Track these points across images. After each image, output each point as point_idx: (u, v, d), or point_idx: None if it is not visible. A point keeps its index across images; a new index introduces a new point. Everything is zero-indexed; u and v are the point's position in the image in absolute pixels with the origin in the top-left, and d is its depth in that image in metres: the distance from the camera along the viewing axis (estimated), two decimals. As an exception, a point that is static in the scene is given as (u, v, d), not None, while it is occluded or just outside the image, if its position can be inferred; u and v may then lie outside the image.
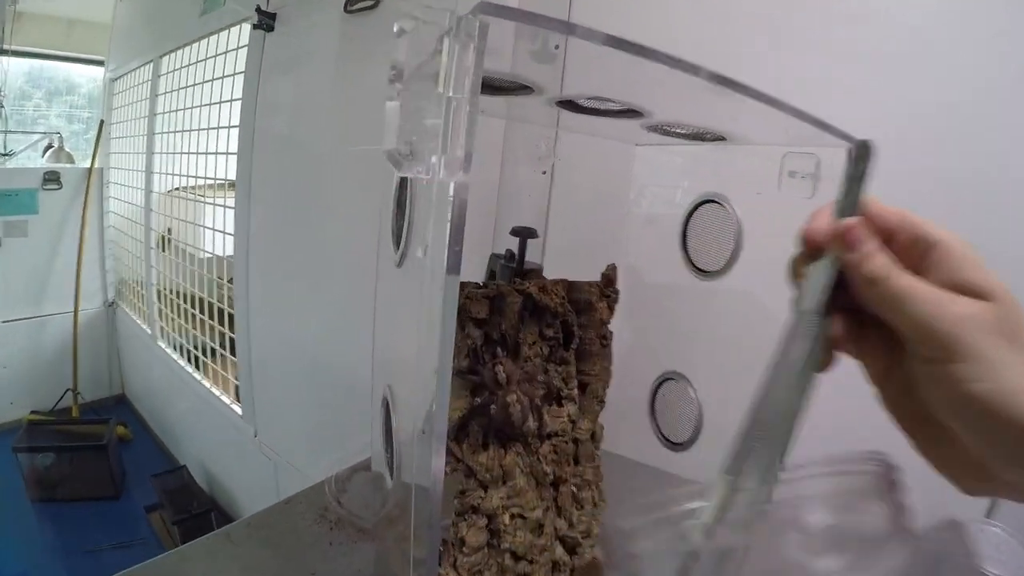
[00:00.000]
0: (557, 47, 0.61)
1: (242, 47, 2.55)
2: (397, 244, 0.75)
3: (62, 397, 3.78)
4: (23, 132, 4.24)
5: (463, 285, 0.96)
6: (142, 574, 0.98)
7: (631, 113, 0.84)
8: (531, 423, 0.87)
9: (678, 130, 0.92)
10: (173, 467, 3.35)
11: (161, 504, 3.08)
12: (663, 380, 1.15)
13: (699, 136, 0.95)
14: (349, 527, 1.22)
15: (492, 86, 0.81)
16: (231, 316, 2.79)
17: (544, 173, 1.53)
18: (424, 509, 0.47)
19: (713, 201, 1.10)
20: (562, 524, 0.94)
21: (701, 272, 1.12)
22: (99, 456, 3.27)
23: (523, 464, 0.89)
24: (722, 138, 0.93)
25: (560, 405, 0.95)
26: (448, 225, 0.40)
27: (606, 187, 1.37)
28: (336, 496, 1.34)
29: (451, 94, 0.41)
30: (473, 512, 0.87)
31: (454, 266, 0.42)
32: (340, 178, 2.07)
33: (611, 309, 1.03)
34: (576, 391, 0.96)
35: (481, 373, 0.87)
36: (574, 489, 0.96)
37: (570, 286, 0.97)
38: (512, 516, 0.89)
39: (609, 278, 1.04)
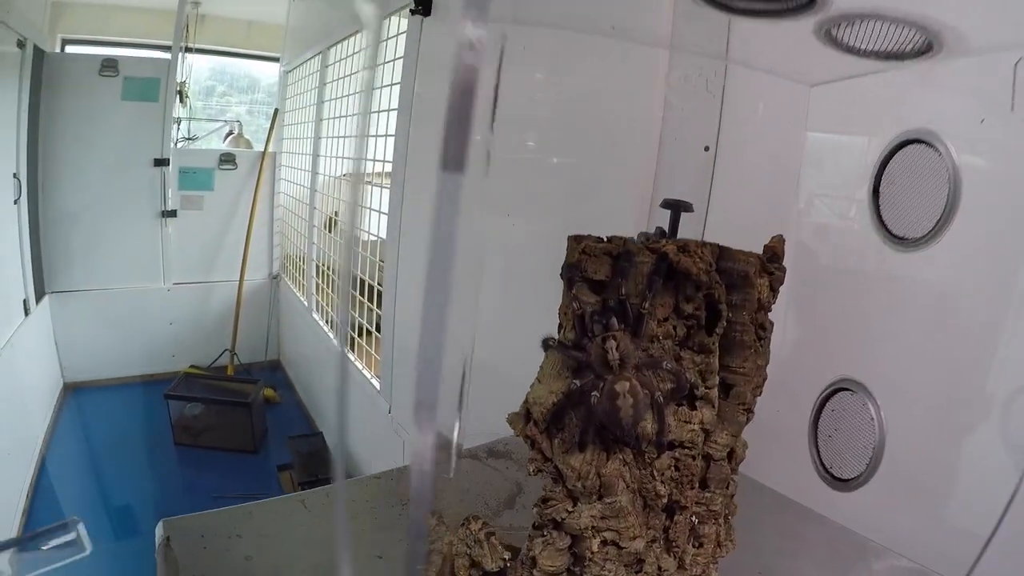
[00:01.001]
0: None
1: (401, 33, 2.51)
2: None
3: (219, 356, 3.93)
4: (206, 120, 4.46)
5: (580, 238, 0.75)
6: (198, 520, 0.94)
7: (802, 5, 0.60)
8: (648, 425, 0.66)
9: (867, 44, 0.67)
10: (311, 432, 3.37)
11: (292, 465, 3.13)
12: (833, 391, 0.88)
13: (896, 54, 0.68)
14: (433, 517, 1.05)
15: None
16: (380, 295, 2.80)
17: (707, 149, 1.28)
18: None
19: (918, 141, 0.81)
20: (669, 564, 0.72)
21: (898, 240, 0.84)
22: (242, 412, 3.39)
23: (629, 477, 0.68)
24: (928, 48, 0.66)
25: (692, 407, 0.73)
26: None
27: (776, 147, 1.11)
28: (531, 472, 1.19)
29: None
30: (555, 528, 0.67)
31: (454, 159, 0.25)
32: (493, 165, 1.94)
33: (774, 290, 0.80)
34: (716, 392, 0.74)
35: (588, 349, 0.67)
36: (695, 520, 0.74)
37: (721, 253, 0.75)
38: (604, 542, 0.68)
39: (774, 251, 0.80)
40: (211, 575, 0.86)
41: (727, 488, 0.81)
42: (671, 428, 0.72)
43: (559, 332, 0.77)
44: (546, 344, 0.73)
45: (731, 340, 0.76)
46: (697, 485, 0.77)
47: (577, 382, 0.67)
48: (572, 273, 0.76)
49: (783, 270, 0.80)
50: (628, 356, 0.66)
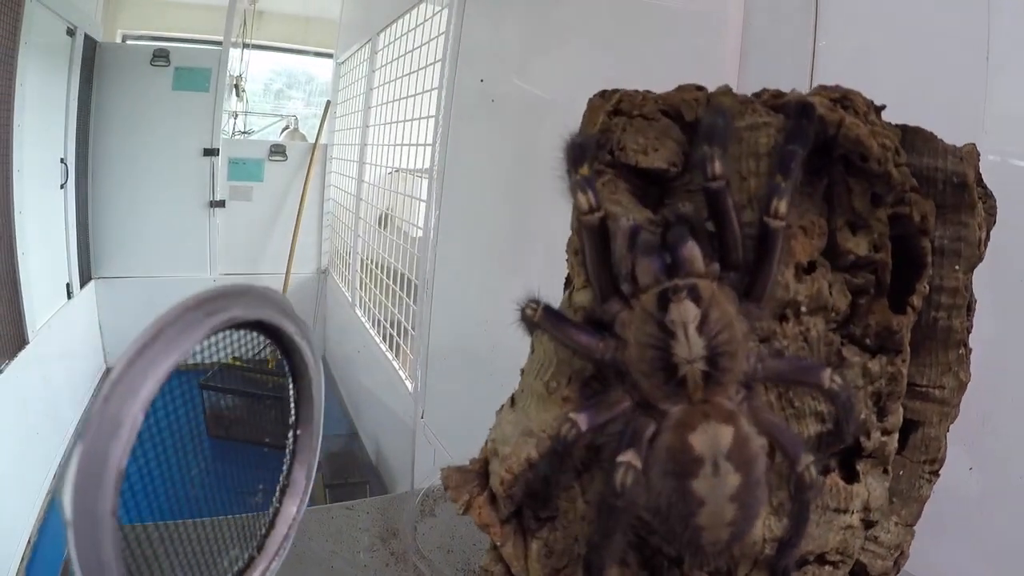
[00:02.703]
0: None
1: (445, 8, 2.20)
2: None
3: (263, 349, 3.62)
4: (262, 114, 4.26)
5: (610, 93, 0.32)
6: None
7: None
8: (759, 527, 0.22)
9: None
10: (347, 432, 3.14)
11: (322, 465, 2.84)
12: None
13: None
14: (409, 571, 0.73)
15: None
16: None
17: None
18: None
19: None
20: None
21: None
22: (276, 407, 3.09)
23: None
24: None
25: (849, 474, 0.29)
26: None
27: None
28: (416, 520, 0.85)
29: None
30: None
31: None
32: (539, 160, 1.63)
33: (987, 227, 0.33)
34: (894, 439, 0.29)
35: (619, 326, 0.21)
36: None
37: (907, 139, 0.28)
38: None
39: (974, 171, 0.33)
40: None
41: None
42: (810, 528, 0.28)
43: (564, 292, 0.33)
44: (526, 315, 0.29)
45: (925, 329, 0.32)
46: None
47: (582, 420, 0.22)
48: (591, 156, 0.31)
49: (993, 197, 0.34)
50: (730, 352, 0.23)
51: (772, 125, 0.30)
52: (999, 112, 0.59)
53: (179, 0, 3.92)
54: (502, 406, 0.36)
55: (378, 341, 3.09)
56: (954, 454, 0.44)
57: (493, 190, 1.95)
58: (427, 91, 2.38)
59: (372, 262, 3.31)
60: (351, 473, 2.71)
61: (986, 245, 0.40)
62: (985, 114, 0.64)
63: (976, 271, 0.42)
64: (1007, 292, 0.53)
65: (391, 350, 2.91)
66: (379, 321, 3.12)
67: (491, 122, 1.96)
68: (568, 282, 0.34)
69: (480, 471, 0.35)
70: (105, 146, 3.47)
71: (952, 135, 0.39)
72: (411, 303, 2.67)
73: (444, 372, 2.27)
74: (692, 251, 0.27)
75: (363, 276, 3.43)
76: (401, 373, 2.70)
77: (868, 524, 0.34)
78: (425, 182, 2.52)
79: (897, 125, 0.34)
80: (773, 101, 0.31)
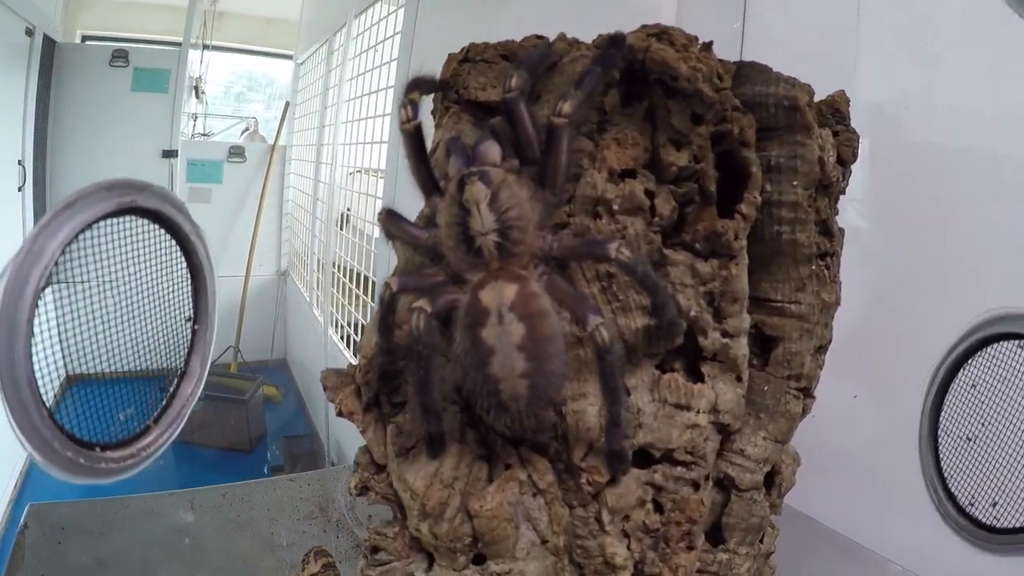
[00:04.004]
0: None
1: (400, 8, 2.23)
2: None
3: (223, 352, 3.58)
4: (222, 116, 4.21)
5: (465, 47, 0.34)
6: (68, 509, 0.79)
7: None
8: (586, 409, 0.25)
9: None
10: (307, 432, 3.12)
11: (284, 466, 2.85)
12: (974, 345, 0.45)
13: None
14: (347, 536, 0.79)
15: None
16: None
17: None
18: None
19: None
20: None
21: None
22: (238, 410, 3.06)
23: (546, 522, 0.27)
24: None
25: (693, 375, 0.31)
26: None
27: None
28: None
29: None
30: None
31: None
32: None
33: (843, 162, 0.36)
34: (744, 345, 0.32)
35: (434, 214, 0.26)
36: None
37: (741, 70, 0.31)
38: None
39: (836, 108, 0.35)
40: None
41: (761, 542, 0.38)
42: (641, 418, 0.31)
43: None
44: (380, 220, 0.33)
45: (771, 244, 0.34)
46: (699, 540, 0.34)
47: (394, 282, 0.25)
48: (444, 95, 0.35)
49: (854, 132, 0.37)
50: (519, 226, 0.25)
51: (588, 57, 0.33)
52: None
53: (140, 0, 3.87)
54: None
55: (336, 340, 3.07)
56: (839, 386, 0.46)
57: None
58: (382, 89, 2.39)
59: (331, 262, 3.28)
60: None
61: (845, 176, 0.42)
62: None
63: (857, 218, 0.44)
64: (888, 234, 0.56)
65: (349, 349, 2.87)
66: (337, 321, 3.11)
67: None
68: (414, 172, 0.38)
69: (353, 372, 0.38)
70: (63, 148, 3.42)
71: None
72: (370, 302, 2.67)
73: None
74: (488, 148, 0.32)
75: (320, 276, 3.40)
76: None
77: (722, 428, 0.36)
78: (382, 181, 2.54)
79: (735, 62, 0.37)
80: (599, 43, 0.35)
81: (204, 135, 4.02)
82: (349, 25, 2.94)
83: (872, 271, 0.55)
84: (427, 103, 0.42)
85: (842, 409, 0.54)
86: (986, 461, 0.43)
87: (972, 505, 0.43)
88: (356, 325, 2.86)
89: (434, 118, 0.40)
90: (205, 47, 3.90)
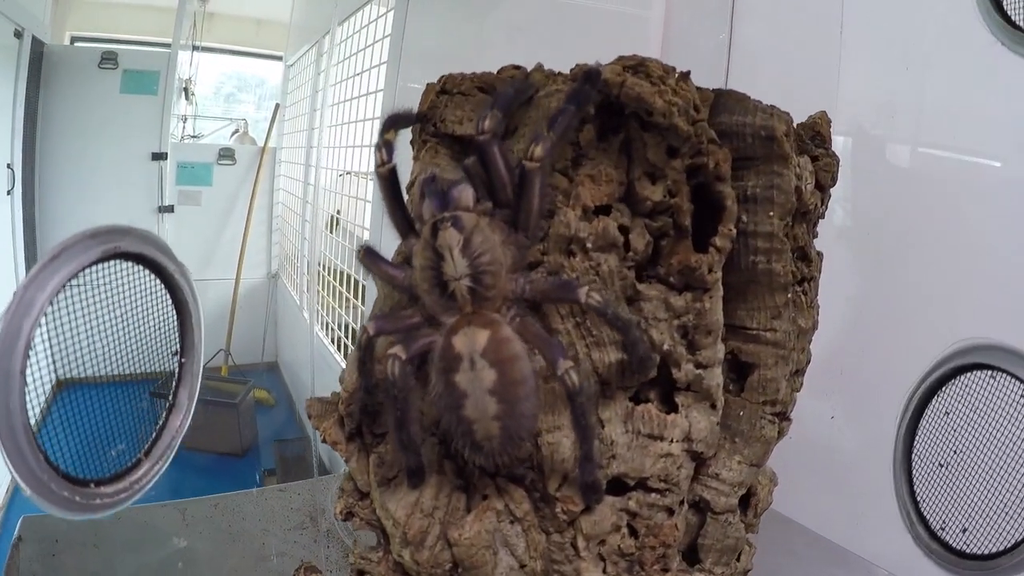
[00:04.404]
0: None
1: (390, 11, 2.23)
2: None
3: (214, 356, 3.57)
4: (212, 118, 4.17)
5: (442, 77, 0.35)
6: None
7: None
8: (560, 443, 0.26)
9: None
10: (298, 436, 3.06)
11: (276, 470, 2.84)
12: (948, 373, 0.46)
13: None
14: (336, 546, 0.78)
15: None
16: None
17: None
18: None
19: None
20: None
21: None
22: (228, 413, 3.05)
23: (524, 547, 0.28)
24: None
25: (667, 405, 0.32)
26: None
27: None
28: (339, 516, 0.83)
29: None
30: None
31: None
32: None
33: (822, 187, 0.37)
34: (718, 374, 0.32)
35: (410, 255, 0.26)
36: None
37: (718, 99, 0.32)
38: None
39: (816, 131, 0.36)
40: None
41: (738, 560, 0.39)
42: (614, 449, 0.32)
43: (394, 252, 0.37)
44: (358, 256, 0.33)
45: (746, 273, 0.35)
46: (676, 562, 0.35)
47: (371, 326, 0.26)
48: (422, 128, 0.35)
49: (834, 157, 0.38)
50: (491, 271, 0.26)
51: (563, 91, 0.34)
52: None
53: (129, 2, 3.85)
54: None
55: (327, 344, 3.08)
56: (817, 407, 0.47)
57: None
58: (372, 93, 2.39)
59: (321, 265, 3.29)
60: (304, 477, 2.64)
61: (824, 202, 0.43)
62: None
63: (835, 235, 0.45)
64: (863, 254, 0.57)
65: (340, 352, 2.88)
66: (328, 324, 3.12)
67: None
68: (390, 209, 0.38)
69: (337, 401, 0.38)
70: (52, 150, 3.39)
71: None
72: (360, 305, 2.67)
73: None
74: (462, 191, 0.32)
75: (310, 279, 3.40)
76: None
77: (696, 456, 0.37)
78: (372, 184, 2.54)
79: (713, 90, 0.37)
80: (577, 74, 0.35)
81: (194, 136, 4.00)
82: (332, 32, 2.95)
83: (852, 294, 0.56)
84: (405, 135, 0.42)
85: (820, 429, 0.55)
86: (957, 487, 0.44)
87: (943, 530, 0.44)
88: (347, 327, 2.84)
89: (412, 149, 0.41)
90: (195, 48, 3.87)
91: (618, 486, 0.36)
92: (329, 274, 3.09)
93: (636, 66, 0.35)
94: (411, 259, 0.34)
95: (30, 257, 3.33)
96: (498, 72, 0.39)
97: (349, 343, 2.79)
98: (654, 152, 0.35)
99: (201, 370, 0.45)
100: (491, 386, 0.31)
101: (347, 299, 2.93)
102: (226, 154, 3.77)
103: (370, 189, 2.61)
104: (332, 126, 3.06)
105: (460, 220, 0.33)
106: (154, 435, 0.43)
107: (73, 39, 3.85)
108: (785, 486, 0.49)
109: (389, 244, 1.73)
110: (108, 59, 3.44)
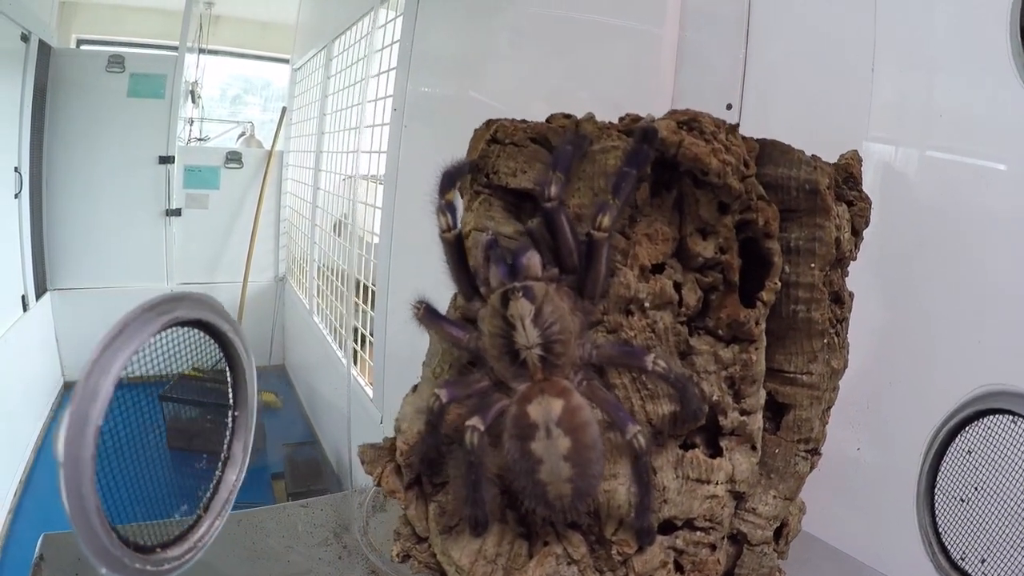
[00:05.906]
0: None
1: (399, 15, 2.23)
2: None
3: (221, 359, 3.57)
4: (219, 120, 4.20)
5: (493, 122, 0.36)
6: None
7: None
8: (617, 491, 0.28)
9: None
10: (308, 440, 3.11)
11: (284, 474, 2.83)
12: (970, 416, 0.48)
13: None
14: (361, 562, 0.76)
15: None
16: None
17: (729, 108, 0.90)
18: None
19: None
20: None
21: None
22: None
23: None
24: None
25: (712, 450, 0.34)
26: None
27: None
28: (367, 517, 0.88)
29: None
30: None
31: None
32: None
33: (856, 233, 0.38)
34: (759, 421, 0.34)
35: (478, 319, 0.28)
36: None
37: (764, 150, 0.33)
38: None
39: (849, 171, 0.38)
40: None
41: (774, 595, 0.41)
42: (666, 494, 0.33)
43: (453, 302, 0.38)
44: (415, 313, 0.34)
45: (787, 321, 0.36)
46: (721, 598, 0.37)
47: (443, 393, 0.28)
48: (473, 178, 0.37)
49: (867, 200, 0.40)
50: (561, 340, 0.27)
51: (620, 148, 0.35)
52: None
53: (135, 5, 3.85)
54: (407, 392, 0.41)
55: (336, 348, 3.09)
56: (843, 436, 0.48)
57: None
58: (381, 98, 2.39)
59: (329, 269, 3.31)
60: (313, 481, 2.69)
61: (858, 245, 0.45)
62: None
63: (862, 269, 0.47)
64: (890, 288, 0.59)
65: (348, 356, 2.87)
66: (336, 328, 3.13)
67: (446, 128, 1.95)
68: (455, 272, 0.39)
69: (390, 447, 0.40)
70: (60, 154, 3.42)
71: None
72: (369, 310, 2.68)
73: (403, 378, 2.29)
74: (531, 259, 0.33)
75: (320, 283, 3.43)
76: (360, 380, 2.69)
77: (737, 495, 0.39)
78: (381, 188, 2.55)
79: (758, 140, 0.39)
80: (629, 125, 0.36)
81: (201, 139, 4.02)
82: (348, 32, 2.95)
83: (877, 327, 0.57)
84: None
85: (847, 457, 0.57)
86: (977, 521, 0.46)
87: (963, 559, 0.46)
88: (354, 331, 2.85)
89: (462, 197, 0.42)
90: (201, 51, 3.90)
91: (667, 526, 0.38)
92: (336, 277, 3.09)
93: (690, 121, 0.36)
94: (473, 319, 0.35)
95: (37, 260, 3.34)
96: (547, 120, 0.40)
97: (357, 346, 2.81)
98: (706, 209, 0.36)
99: (254, 423, 0.47)
100: (566, 452, 0.32)
101: (354, 301, 2.94)
102: (233, 157, 3.79)
103: (379, 194, 2.61)
104: (339, 131, 3.06)
105: (531, 290, 0.34)
106: (210, 492, 0.44)
107: (79, 42, 3.85)
108: (813, 511, 0.50)
109: (400, 252, 1.73)
110: (115, 62, 3.45)
